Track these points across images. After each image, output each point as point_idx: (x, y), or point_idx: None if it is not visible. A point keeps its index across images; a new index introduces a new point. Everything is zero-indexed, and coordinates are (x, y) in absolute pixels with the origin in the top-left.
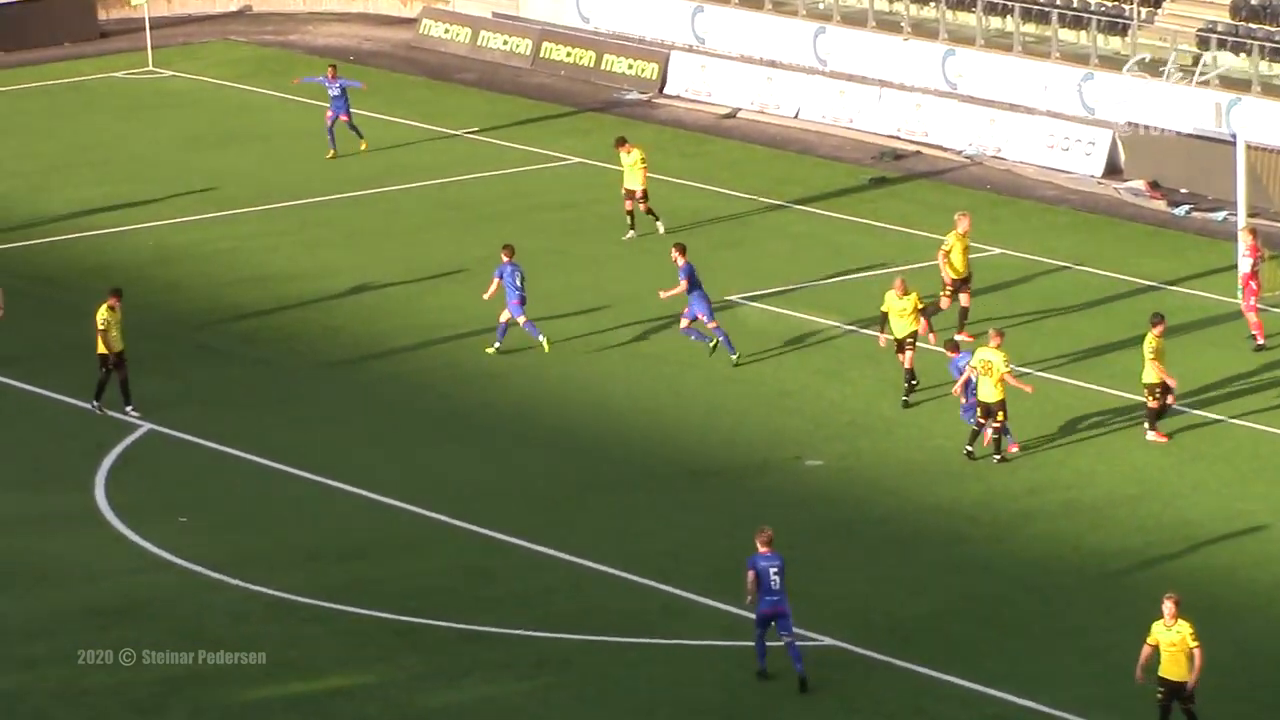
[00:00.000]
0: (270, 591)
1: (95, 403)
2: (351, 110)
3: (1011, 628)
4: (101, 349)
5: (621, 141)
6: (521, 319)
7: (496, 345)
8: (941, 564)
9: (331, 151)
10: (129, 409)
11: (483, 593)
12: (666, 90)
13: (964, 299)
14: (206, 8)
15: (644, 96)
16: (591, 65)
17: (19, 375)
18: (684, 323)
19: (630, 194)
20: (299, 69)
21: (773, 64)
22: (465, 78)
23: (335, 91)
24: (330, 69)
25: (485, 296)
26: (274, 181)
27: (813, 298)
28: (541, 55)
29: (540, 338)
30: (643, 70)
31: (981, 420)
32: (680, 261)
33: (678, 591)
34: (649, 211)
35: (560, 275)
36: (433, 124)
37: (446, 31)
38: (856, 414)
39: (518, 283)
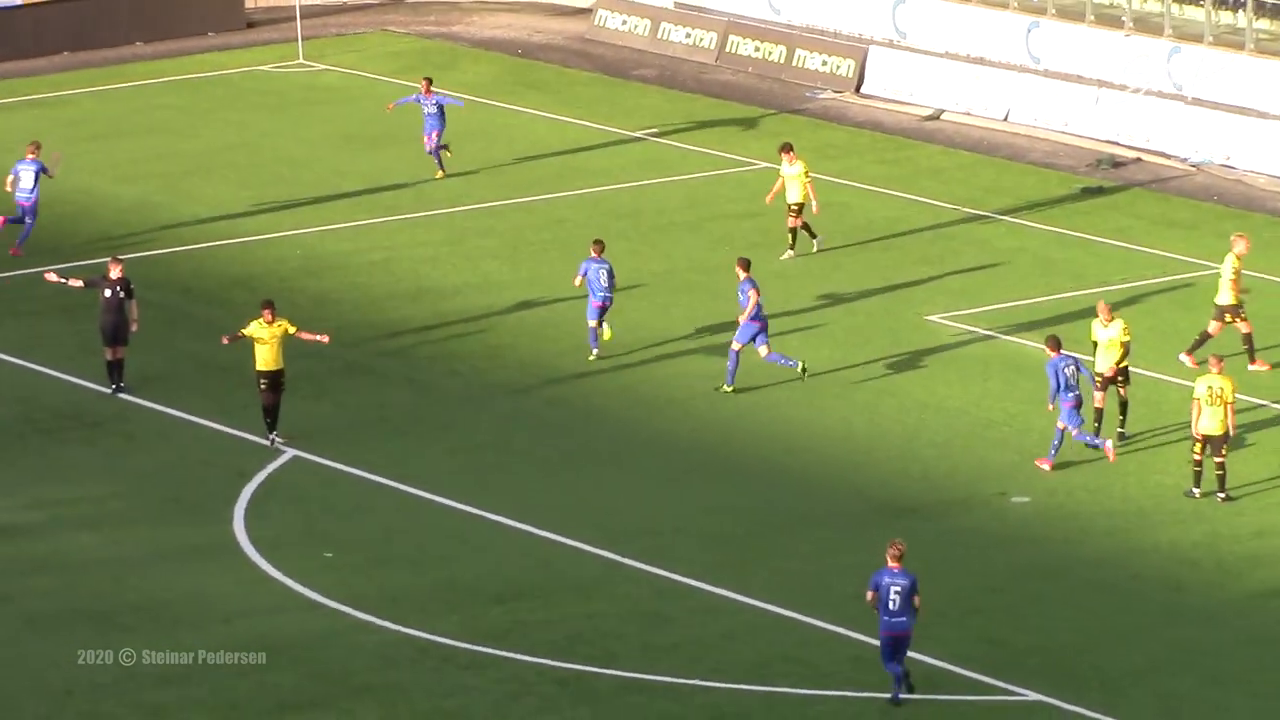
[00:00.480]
0: (423, 635)
1: (271, 435)
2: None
3: (1235, 683)
4: (258, 364)
5: (787, 148)
6: (593, 322)
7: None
8: (1158, 612)
9: (440, 173)
10: (274, 437)
11: (655, 639)
12: (864, 89)
13: (1213, 327)
14: None
15: (839, 96)
16: (782, 61)
17: (154, 396)
18: (735, 345)
19: (794, 208)
20: (462, 63)
21: (980, 61)
22: (643, 74)
23: (430, 109)
24: (424, 82)
25: (577, 282)
26: (434, 186)
27: (1020, 319)
28: (727, 49)
29: (594, 351)
30: (838, 67)
31: (1199, 456)
32: (742, 276)
33: (869, 640)
34: (805, 227)
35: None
36: (607, 124)
37: (624, 23)
38: (1068, 447)
39: (603, 281)
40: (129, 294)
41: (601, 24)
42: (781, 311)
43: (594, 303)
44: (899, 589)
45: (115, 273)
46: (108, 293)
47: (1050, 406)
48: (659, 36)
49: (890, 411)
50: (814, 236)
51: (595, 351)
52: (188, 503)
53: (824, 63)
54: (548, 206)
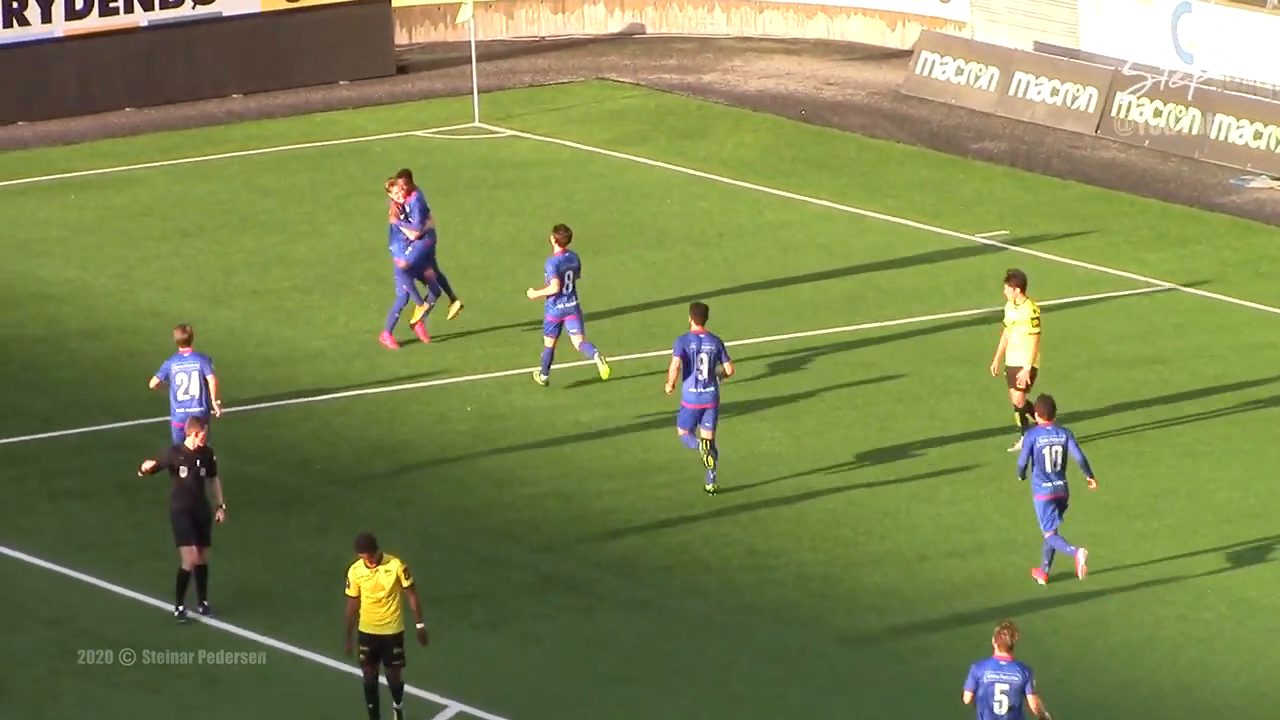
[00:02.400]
0: None
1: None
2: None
3: None
4: (361, 623)
5: (1019, 281)
6: (550, 341)
7: (544, 376)
8: None
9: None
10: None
11: None
12: None
13: None
14: (570, 28)
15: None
16: (1196, 131)
17: (248, 619)
18: (681, 432)
19: (1015, 375)
20: (716, 129)
21: None
22: (989, 148)
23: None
24: (402, 177)
25: (532, 295)
26: (670, 310)
27: None
28: (1113, 113)
29: (543, 378)
30: (1278, 141)
31: None
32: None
33: None
34: (1022, 408)
35: (1138, 476)
36: (933, 223)
37: (959, 72)
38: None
39: (560, 282)
40: (210, 471)
41: (926, 73)
42: (1189, 504)
43: (549, 317)
44: (1006, 688)
45: (194, 440)
46: (183, 471)
47: (1020, 478)
48: (1012, 93)
49: (1257, 638)
50: (1027, 418)
51: (544, 377)
52: None
53: (1258, 134)
54: (844, 344)
